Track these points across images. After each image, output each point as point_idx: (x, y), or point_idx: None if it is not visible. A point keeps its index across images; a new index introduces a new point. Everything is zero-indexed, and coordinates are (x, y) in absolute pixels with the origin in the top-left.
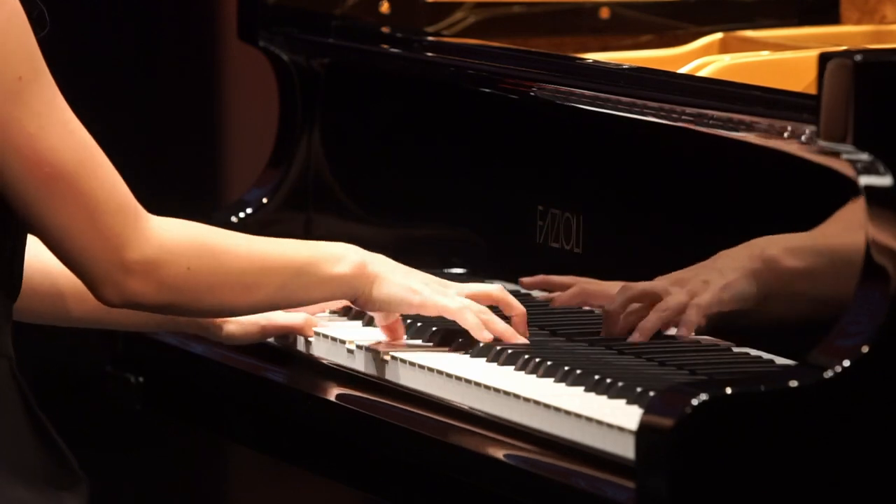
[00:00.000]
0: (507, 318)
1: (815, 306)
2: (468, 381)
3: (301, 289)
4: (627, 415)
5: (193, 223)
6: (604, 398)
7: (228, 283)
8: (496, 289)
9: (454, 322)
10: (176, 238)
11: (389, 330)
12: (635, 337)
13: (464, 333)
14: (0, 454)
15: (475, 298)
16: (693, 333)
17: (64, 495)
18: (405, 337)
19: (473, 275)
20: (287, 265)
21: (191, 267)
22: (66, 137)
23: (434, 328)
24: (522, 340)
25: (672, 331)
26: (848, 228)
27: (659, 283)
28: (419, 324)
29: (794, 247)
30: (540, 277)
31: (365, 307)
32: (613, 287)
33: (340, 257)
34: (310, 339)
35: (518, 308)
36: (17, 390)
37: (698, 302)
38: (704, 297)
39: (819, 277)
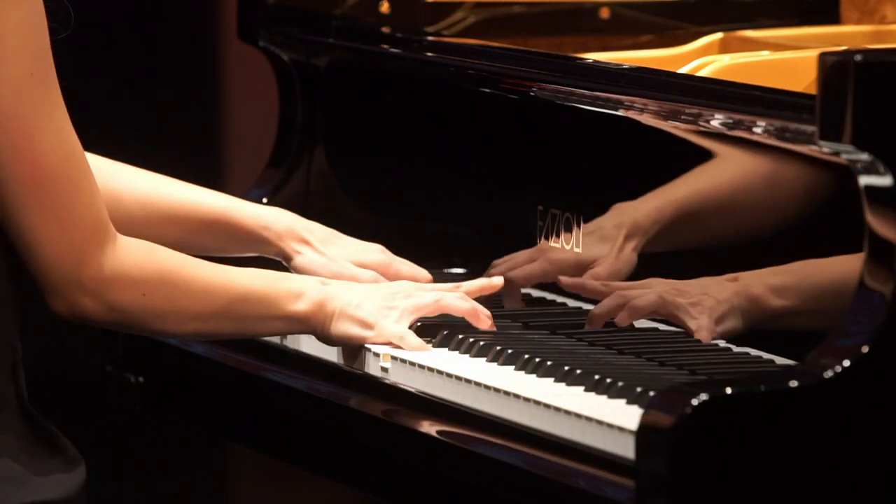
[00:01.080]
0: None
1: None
2: (468, 381)
3: (256, 322)
4: (627, 415)
5: (163, 249)
6: (604, 398)
7: (180, 312)
8: (433, 302)
9: (451, 317)
10: (138, 264)
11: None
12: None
13: (454, 328)
14: None
15: (421, 312)
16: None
17: (59, 476)
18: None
19: (473, 275)
20: (244, 297)
21: (146, 294)
22: (59, 143)
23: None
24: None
25: (664, 327)
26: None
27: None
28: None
29: (780, 285)
30: (579, 281)
31: (326, 343)
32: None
33: (299, 294)
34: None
35: (465, 309)
36: (13, 381)
37: (705, 314)
38: (703, 320)
39: (811, 306)
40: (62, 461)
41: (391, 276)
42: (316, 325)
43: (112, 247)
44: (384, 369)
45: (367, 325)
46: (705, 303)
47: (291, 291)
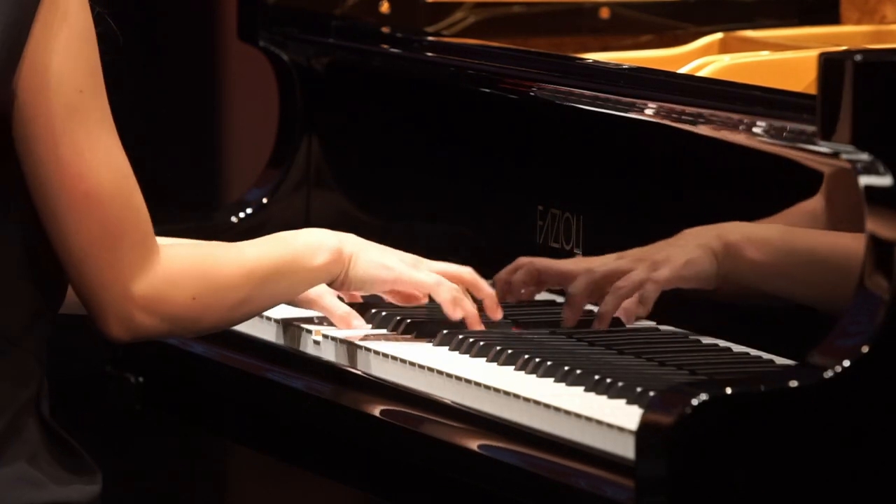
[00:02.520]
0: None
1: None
2: (468, 381)
3: (288, 288)
4: (627, 415)
5: (191, 245)
6: (604, 398)
7: (225, 303)
8: (466, 271)
9: (425, 313)
10: (180, 269)
11: (402, 298)
12: (596, 324)
13: (454, 328)
14: (10, 444)
15: (447, 277)
16: (650, 310)
17: (77, 486)
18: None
19: None
20: (273, 270)
21: (195, 297)
22: (109, 160)
23: (409, 320)
24: (479, 327)
25: (664, 327)
26: (847, 228)
27: (619, 262)
28: (397, 317)
29: (759, 237)
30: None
31: (341, 288)
32: (566, 265)
33: (317, 247)
34: (316, 340)
35: (486, 290)
36: (36, 390)
37: (656, 277)
38: (663, 272)
39: (791, 276)
40: (80, 471)
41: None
42: (335, 272)
43: (157, 259)
44: (382, 368)
45: (387, 268)
46: (679, 244)
47: (309, 246)
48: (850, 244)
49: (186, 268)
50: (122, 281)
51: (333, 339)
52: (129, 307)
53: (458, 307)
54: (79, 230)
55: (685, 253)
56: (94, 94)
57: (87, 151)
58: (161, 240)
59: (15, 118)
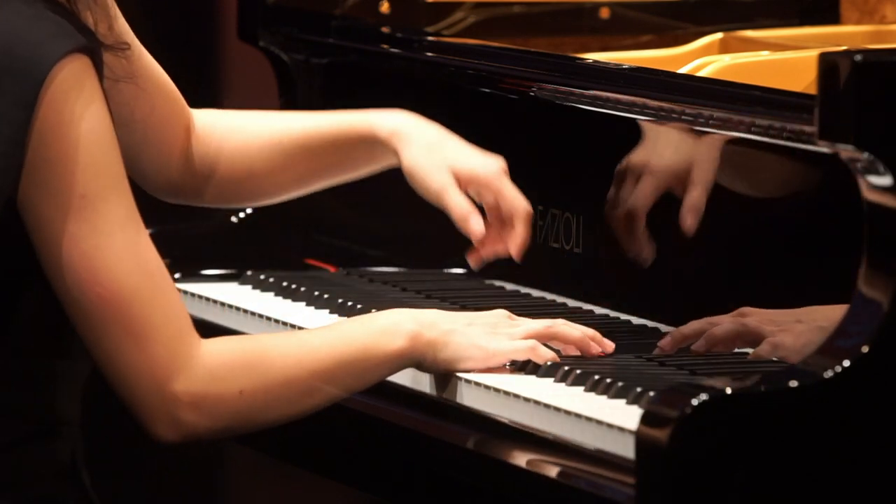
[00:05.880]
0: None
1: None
2: (467, 382)
3: (359, 377)
4: (627, 415)
5: (240, 338)
6: (604, 398)
7: (284, 397)
8: (544, 328)
9: None
10: (226, 363)
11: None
12: (700, 346)
13: None
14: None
15: (537, 337)
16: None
17: None
18: None
19: (473, 275)
20: (338, 360)
21: (243, 390)
22: (126, 259)
23: None
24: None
25: (665, 328)
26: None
27: (748, 322)
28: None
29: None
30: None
31: (430, 371)
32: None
33: (393, 332)
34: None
35: (576, 338)
36: (72, 462)
37: (785, 344)
38: (788, 340)
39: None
40: None
41: (493, 192)
42: (416, 358)
43: (197, 354)
44: None
45: (478, 348)
46: (793, 328)
47: (385, 332)
48: None
49: (229, 360)
50: (157, 380)
51: None
52: (170, 407)
53: (578, 330)
54: (103, 332)
55: (812, 333)
56: (103, 195)
57: (96, 253)
58: (223, 339)
59: (23, 219)
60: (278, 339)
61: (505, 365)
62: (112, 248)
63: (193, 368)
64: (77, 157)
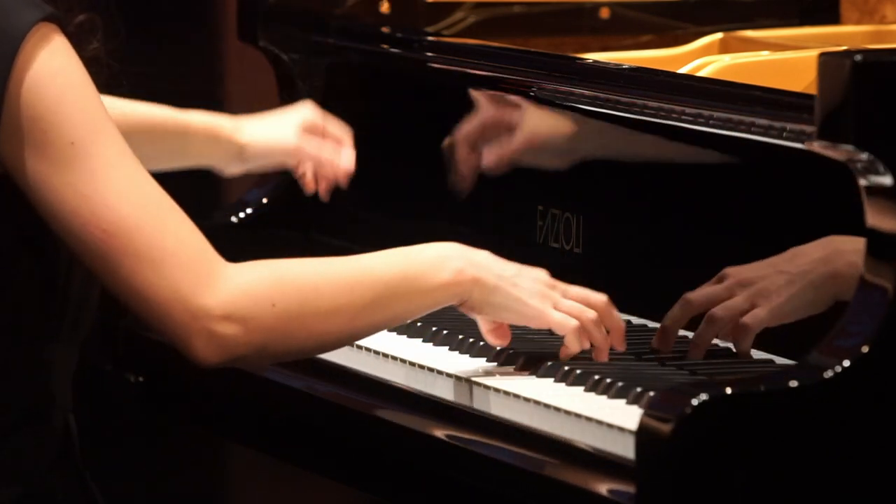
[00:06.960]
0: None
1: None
2: (467, 381)
3: (400, 303)
4: (627, 415)
5: (267, 261)
6: (604, 398)
7: (320, 311)
8: (602, 301)
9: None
10: (254, 278)
11: (496, 335)
12: (693, 353)
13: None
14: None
15: (586, 303)
16: (747, 350)
17: None
18: None
19: None
20: (375, 281)
21: (276, 303)
22: (126, 193)
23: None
24: (605, 359)
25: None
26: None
27: (721, 288)
28: None
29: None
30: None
31: (470, 312)
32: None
33: (440, 265)
34: None
35: (617, 323)
36: (66, 447)
37: (758, 317)
38: (762, 312)
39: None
40: None
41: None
42: (461, 294)
43: (222, 270)
44: (378, 367)
45: (524, 304)
46: (785, 270)
47: (432, 263)
48: None
49: (257, 275)
50: (184, 300)
51: None
52: (204, 322)
53: (584, 339)
54: (116, 269)
55: (791, 284)
56: (92, 138)
57: (95, 193)
58: (252, 262)
59: (19, 185)
60: (311, 260)
61: (499, 363)
62: (110, 186)
63: (221, 282)
64: (60, 109)
